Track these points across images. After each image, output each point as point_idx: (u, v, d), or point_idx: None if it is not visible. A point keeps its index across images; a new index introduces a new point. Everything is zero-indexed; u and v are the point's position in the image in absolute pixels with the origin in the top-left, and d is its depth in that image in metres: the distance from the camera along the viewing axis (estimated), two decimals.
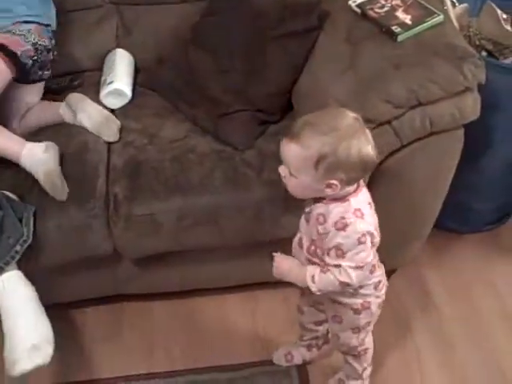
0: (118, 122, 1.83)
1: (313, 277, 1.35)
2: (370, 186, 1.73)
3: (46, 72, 1.85)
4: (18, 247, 1.60)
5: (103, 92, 1.89)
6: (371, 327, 1.55)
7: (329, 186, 1.26)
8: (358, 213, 1.29)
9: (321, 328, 1.73)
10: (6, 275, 1.57)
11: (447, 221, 2.14)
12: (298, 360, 1.82)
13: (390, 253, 1.95)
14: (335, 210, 1.30)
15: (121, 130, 1.83)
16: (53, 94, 1.96)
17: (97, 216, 1.66)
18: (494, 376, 1.81)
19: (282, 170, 1.31)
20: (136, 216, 1.65)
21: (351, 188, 1.30)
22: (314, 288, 1.35)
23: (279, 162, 1.72)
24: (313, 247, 1.39)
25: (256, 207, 1.67)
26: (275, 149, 1.75)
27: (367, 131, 1.27)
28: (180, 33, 2.02)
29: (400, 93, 1.56)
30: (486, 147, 1.96)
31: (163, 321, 1.94)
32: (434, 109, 1.59)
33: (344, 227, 1.28)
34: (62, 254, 1.70)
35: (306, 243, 1.41)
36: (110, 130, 1.80)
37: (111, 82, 1.88)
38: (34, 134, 1.84)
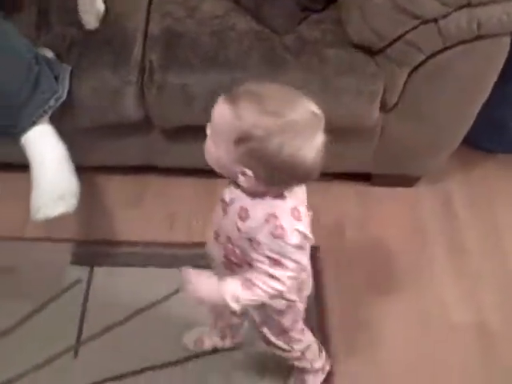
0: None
1: (237, 298, 1.10)
2: (405, 86, 1.74)
3: None
4: (51, 102, 1.63)
5: None
6: (300, 325, 1.37)
7: (242, 173, 1.02)
8: (296, 213, 1.07)
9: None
10: (38, 128, 1.61)
11: (481, 139, 2.12)
12: (207, 347, 1.64)
13: (417, 159, 1.98)
14: (261, 207, 1.06)
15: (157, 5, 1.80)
16: None
17: (131, 82, 1.67)
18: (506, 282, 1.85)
19: (208, 128, 1.06)
20: (170, 84, 1.66)
21: (276, 190, 1.06)
22: (237, 308, 1.11)
23: (319, 48, 1.73)
24: (230, 245, 1.15)
25: None
26: (316, 36, 1.77)
27: (320, 133, 1.01)
28: None
29: None
30: None
31: (186, 196, 1.99)
32: (483, 11, 1.55)
33: (281, 234, 1.05)
34: (95, 117, 1.73)
35: (221, 239, 1.17)
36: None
37: None
38: None
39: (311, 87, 1.68)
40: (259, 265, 1.08)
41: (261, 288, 1.09)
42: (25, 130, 1.60)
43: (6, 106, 1.60)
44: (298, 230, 1.06)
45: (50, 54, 1.70)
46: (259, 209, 1.07)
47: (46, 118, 1.63)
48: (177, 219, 1.93)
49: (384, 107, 1.77)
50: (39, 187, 1.59)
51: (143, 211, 1.95)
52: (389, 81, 1.71)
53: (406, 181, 2.06)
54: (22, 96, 1.59)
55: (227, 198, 1.12)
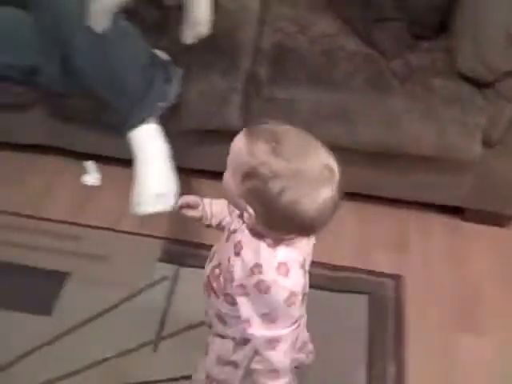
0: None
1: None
2: None
3: None
4: (162, 104, 1.70)
5: None
6: None
7: (245, 209, 1.01)
8: (283, 268, 1.02)
9: None
10: (146, 126, 1.69)
11: None
12: None
13: None
14: (253, 250, 1.04)
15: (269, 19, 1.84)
16: None
17: (237, 90, 1.73)
18: None
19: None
20: (275, 98, 1.70)
21: (275, 236, 1.03)
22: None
23: (426, 76, 1.73)
24: (218, 270, 1.15)
25: (393, 115, 1.69)
26: (424, 64, 1.77)
27: (329, 188, 0.96)
28: None
29: None
30: None
31: None
32: None
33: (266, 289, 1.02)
34: (200, 120, 1.79)
35: (214, 261, 1.17)
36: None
37: None
38: None
39: (414, 115, 1.69)
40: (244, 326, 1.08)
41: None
42: (134, 127, 1.68)
43: (120, 102, 1.69)
44: (282, 287, 1.02)
45: (164, 56, 1.78)
46: (250, 251, 1.05)
47: (155, 117, 1.70)
48: None
49: (487, 142, 1.75)
50: (142, 184, 1.65)
51: None
52: (495, 116, 1.69)
53: (499, 219, 2.01)
54: (136, 95, 1.67)
55: (233, 226, 1.12)
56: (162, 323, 1.70)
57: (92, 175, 2.06)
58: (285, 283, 1.02)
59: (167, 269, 1.82)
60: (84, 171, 2.07)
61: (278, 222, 0.99)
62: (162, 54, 1.78)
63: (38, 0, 1.64)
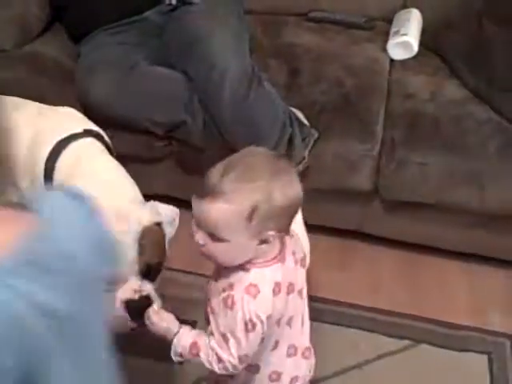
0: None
1: (180, 355, 1.18)
2: None
3: None
4: (299, 167, 1.76)
5: (394, 40, 2.01)
6: None
7: (264, 240, 1.09)
8: (252, 289, 1.09)
9: None
10: None
11: None
12: None
13: None
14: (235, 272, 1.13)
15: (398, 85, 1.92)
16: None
17: (371, 155, 1.81)
18: None
19: (201, 237, 1.10)
20: (409, 162, 1.78)
21: (276, 247, 1.14)
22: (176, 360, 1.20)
23: None
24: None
25: None
26: None
27: (287, 166, 1.13)
28: None
29: None
30: None
31: (390, 266, 2.06)
32: None
33: (230, 305, 1.09)
34: (329, 181, 1.87)
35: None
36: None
37: (405, 34, 1.99)
38: None
39: None
40: (211, 337, 1.13)
41: (204, 360, 1.14)
42: None
43: None
44: (247, 307, 1.07)
45: (300, 115, 1.85)
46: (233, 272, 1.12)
47: None
48: (381, 286, 2.01)
49: None
50: None
51: (349, 275, 2.03)
52: None
53: None
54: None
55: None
56: None
57: None
58: (250, 305, 1.07)
59: None
60: None
61: (286, 220, 1.10)
62: (298, 113, 1.85)
63: (192, 54, 1.75)
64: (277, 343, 1.19)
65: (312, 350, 1.33)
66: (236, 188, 1.04)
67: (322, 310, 1.90)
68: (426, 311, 1.93)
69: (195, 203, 1.08)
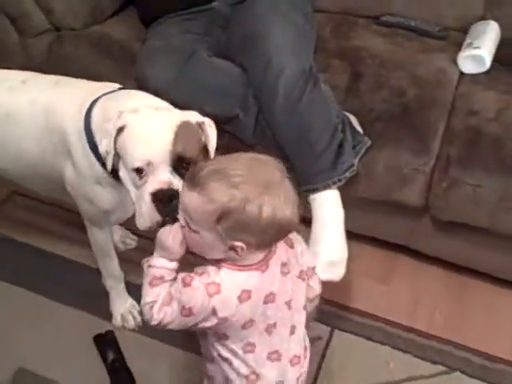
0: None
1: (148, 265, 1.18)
2: None
3: None
4: (347, 174, 1.73)
5: (466, 53, 1.90)
6: None
7: (232, 248, 1.07)
8: (213, 288, 1.09)
9: None
10: (328, 192, 1.72)
11: None
12: None
13: None
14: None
15: (463, 100, 1.83)
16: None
17: (423, 170, 1.74)
18: None
19: (181, 219, 1.11)
20: (462, 182, 1.69)
21: (259, 255, 1.10)
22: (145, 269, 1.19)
23: None
24: None
25: None
26: None
27: (289, 187, 1.07)
28: None
29: None
30: None
31: (434, 285, 1.99)
32: None
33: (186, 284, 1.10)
34: (379, 192, 1.81)
35: None
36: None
37: (478, 48, 1.88)
38: None
39: None
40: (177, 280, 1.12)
41: (148, 290, 1.15)
42: (317, 191, 1.71)
43: (303, 161, 1.72)
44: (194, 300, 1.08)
45: (354, 120, 1.81)
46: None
47: (338, 184, 1.73)
48: (420, 305, 1.93)
49: None
50: (315, 248, 1.67)
51: (389, 289, 1.97)
52: None
53: None
54: (324, 160, 1.71)
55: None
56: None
57: None
58: (198, 297, 1.07)
59: (321, 329, 1.83)
60: None
61: (270, 237, 1.07)
62: (352, 118, 1.81)
63: (251, 49, 1.73)
64: (252, 346, 1.17)
65: (305, 359, 1.30)
66: (217, 188, 1.04)
67: (357, 323, 1.87)
68: (465, 338, 1.84)
69: (183, 188, 1.11)
